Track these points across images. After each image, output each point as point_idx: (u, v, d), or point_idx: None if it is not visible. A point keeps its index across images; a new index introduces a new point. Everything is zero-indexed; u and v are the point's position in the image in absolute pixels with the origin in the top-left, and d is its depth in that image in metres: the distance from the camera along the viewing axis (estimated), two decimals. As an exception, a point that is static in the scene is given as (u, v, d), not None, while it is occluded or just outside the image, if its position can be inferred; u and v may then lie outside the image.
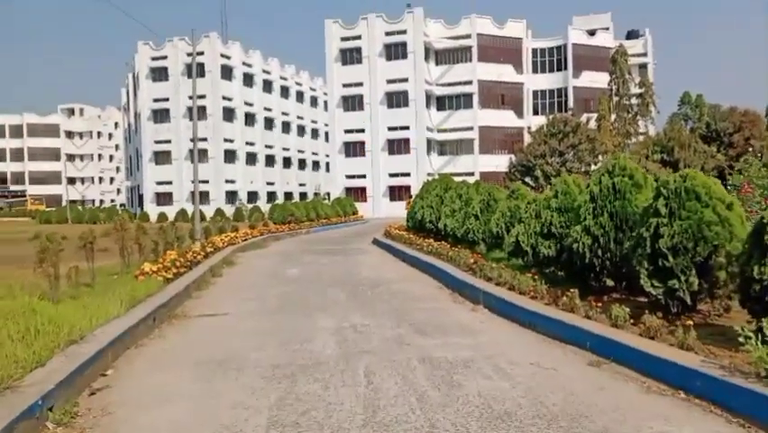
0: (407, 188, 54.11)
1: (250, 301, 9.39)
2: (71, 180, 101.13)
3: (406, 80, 53.71)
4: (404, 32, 53.75)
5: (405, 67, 53.72)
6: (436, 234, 19.05)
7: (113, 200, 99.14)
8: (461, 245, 15.21)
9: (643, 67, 61.21)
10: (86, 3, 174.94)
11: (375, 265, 14.77)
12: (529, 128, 49.40)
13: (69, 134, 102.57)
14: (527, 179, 40.14)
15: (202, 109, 59.52)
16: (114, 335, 5.79)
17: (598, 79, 57.51)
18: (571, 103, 55.91)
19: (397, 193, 54.69)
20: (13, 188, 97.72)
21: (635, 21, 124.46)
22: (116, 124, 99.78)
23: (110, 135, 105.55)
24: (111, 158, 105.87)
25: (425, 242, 15.72)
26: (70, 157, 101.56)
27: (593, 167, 39.97)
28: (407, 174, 53.95)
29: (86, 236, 10.30)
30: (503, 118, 55.88)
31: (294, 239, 26.79)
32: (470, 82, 54.71)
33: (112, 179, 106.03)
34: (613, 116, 43.63)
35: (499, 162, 51.63)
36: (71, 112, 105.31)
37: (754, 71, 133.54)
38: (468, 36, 54.69)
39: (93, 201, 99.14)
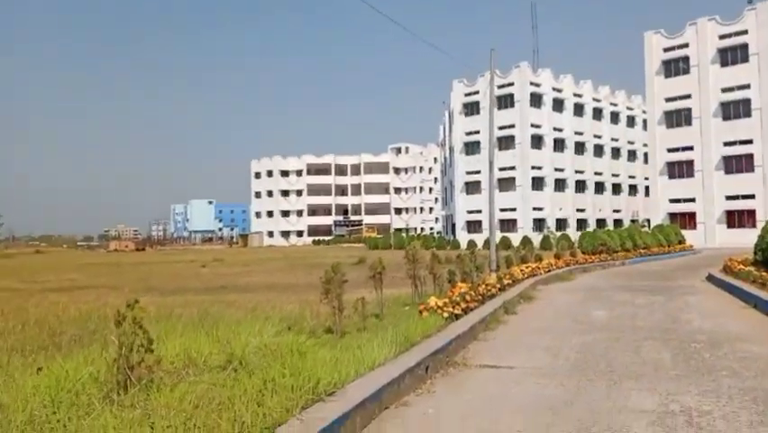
0: (751, 213, 45.08)
1: (541, 352, 7.75)
2: (398, 211, 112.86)
3: (747, 87, 45.20)
4: (744, 32, 45.49)
5: (745, 71, 45.31)
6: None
7: (431, 228, 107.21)
8: None
9: None
10: (413, 52, 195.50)
11: (712, 312, 11.54)
12: None
13: (397, 170, 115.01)
14: None
15: (510, 138, 59.93)
16: (370, 391, 4.87)
17: None
18: None
19: (736, 219, 46.02)
20: (353, 217, 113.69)
21: None
22: (435, 159, 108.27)
23: (429, 170, 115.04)
24: (430, 190, 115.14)
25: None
26: (397, 190, 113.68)
27: None
28: (751, 196, 44.97)
29: (376, 266, 10.09)
30: None
31: (605, 271, 23.88)
32: None
33: (431, 209, 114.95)
34: None
35: None
36: (398, 150, 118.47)
37: None
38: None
39: (415, 229, 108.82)
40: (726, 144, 46.23)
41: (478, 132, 61.66)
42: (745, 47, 45.38)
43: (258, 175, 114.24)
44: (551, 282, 18.76)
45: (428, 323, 7.92)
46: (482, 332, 9.11)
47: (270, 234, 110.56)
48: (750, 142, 44.90)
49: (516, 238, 49.89)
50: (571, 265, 23.66)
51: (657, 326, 9.86)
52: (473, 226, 62.07)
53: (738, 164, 45.72)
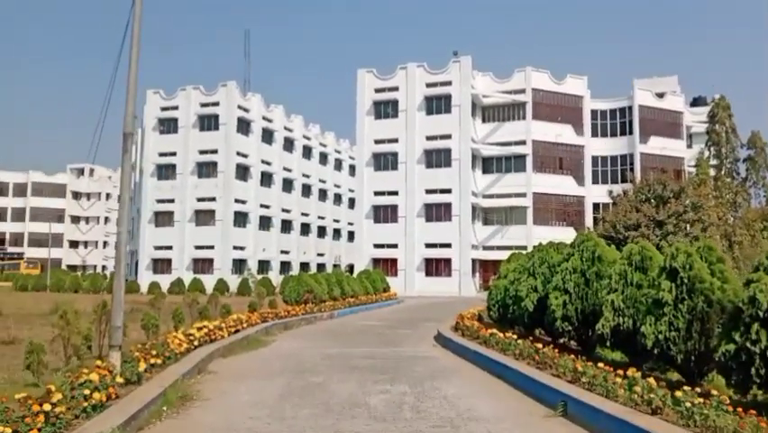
0: (447, 261, 45.51)
1: None
2: (74, 244, 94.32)
3: (448, 137, 46.20)
4: (448, 83, 46.74)
5: (448, 122, 46.38)
6: (564, 338, 10.55)
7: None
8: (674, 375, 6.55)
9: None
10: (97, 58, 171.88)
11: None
12: (611, 192, 40.94)
13: (76, 195, 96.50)
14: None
15: (212, 165, 52.62)
16: None
17: (668, 146, 50.03)
18: (637, 171, 47.55)
19: (434, 267, 46.11)
20: (11, 249, 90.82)
21: (700, 88, 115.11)
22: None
23: (119, 197, 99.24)
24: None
25: (609, 375, 6.99)
26: (75, 219, 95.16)
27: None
28: (448, 245, 45.41)
29: None
30: (561, 185, 47.80)
31: (312, 329, 18.13)
32: (522, 142, 47.08)
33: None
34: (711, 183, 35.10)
35: (556, 235, 42.83)
36: (80, 172, 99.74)
37: None
38: (522, 91, 47.53)
39: (94, 267, 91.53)
40: (428, 192, 46.35)
41: (174, 153, 52.71)
42: (448, 98, 46.40)
43: None
44: (236, 352, 12.05)
45: None
46: None
47: None
48: (449, 191, 45.60)
49: (211, 281, 42.31)
50: (270, 320, 17.39)
51: None
52: (161, 266, 52.19)
53: (438, 213, 46.07)
